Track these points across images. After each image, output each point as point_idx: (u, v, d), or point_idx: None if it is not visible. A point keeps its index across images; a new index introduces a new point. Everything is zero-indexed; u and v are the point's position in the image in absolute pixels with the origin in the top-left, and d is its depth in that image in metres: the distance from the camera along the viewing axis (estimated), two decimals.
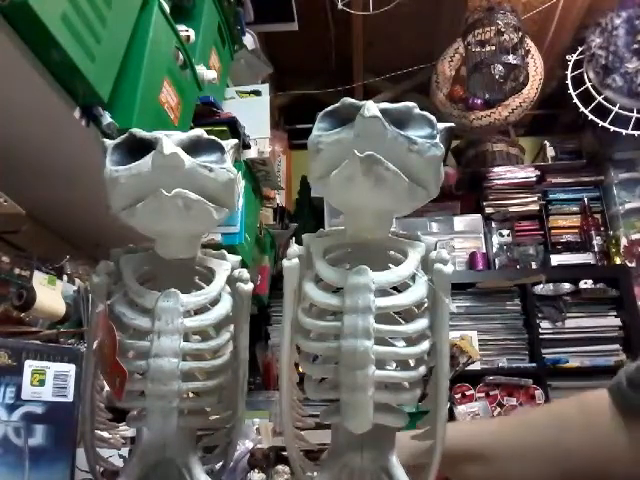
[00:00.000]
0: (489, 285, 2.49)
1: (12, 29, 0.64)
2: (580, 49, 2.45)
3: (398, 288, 0.54)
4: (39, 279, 0.91)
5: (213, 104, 1.40)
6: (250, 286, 0.63)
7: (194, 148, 0.58)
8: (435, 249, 0.56)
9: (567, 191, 2.79)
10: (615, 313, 2.45)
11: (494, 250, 2.67)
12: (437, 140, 0.50)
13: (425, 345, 0.54)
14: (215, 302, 0.61)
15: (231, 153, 0.61)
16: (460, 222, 2.73)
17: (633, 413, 0.65)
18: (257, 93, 1.81)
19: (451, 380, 2.14)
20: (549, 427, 0.72)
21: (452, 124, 0.58)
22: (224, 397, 0.64)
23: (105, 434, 0.67)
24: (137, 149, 0.56)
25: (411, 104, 0.52)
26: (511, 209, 2.72)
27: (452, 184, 2.75)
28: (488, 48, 2.18)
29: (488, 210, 2.72)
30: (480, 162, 2.84)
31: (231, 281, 0.63)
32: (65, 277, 1.03)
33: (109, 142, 0.59)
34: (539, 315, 2.47)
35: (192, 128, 0.84)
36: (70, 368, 0.69)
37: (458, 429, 0.81)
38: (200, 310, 0.60)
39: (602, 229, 2.68)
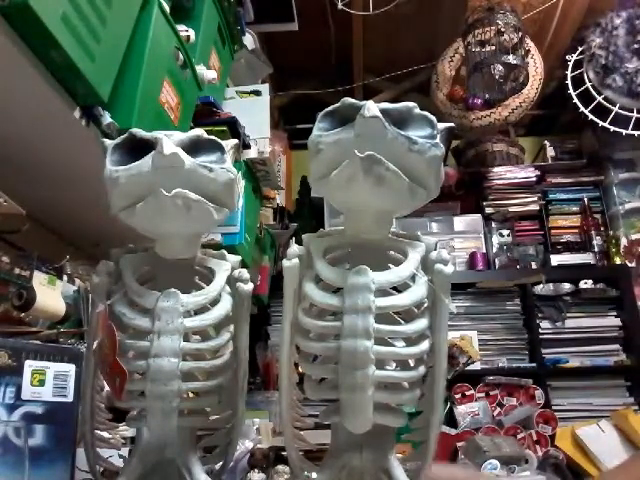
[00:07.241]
0: (489, 285, 2.49)
1: (12, 29, 0.64)
2: (580, 49, 2.45)
3: (398, 288, 0.54)
4: (39, 279, 0.91)
5: (213, 104, 1.39)
6: (250, 286, 0.63)
7: (194, 148, 0.58)
8: (435, 249, 0.56)
9: (567, 191, 2.78)
10: (615, 313, 2.45)
11: (494, 250, 2.67)
12: (437, 140, 0.50)
13: (425, 345, 0.53)
14: (215, 302, 0.61)
15: (231, 153, 0.61)
16: (460, 222, 2.73)
17: None
18: (257, 93, 1.81)
19: (451, 380, 2.15)
20: None
21: (452, 124, 0.58)
22: (224, 397, 0.63)
23: (105, 434, 0.67)
24: (137, 149, 0.56)
25: (411, 104, 0.51)
26: (511, 209, 2.71)
27: (452, 184, 2.74)
28: (488, 48, 2.18)
29: (488, 210, 2.72)
30: (480, 162, 2.84)
31: (231, 281, 0.63)
32: (65, 277, 1.03)
33: (109, 142, 0.59)
34: (539, 315, 2.47)
35: (192, 128, 0.84)
36: (70, 368, 0.68)
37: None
38: (200, 310, 0.60)
39: (602, 229, 2.67)
